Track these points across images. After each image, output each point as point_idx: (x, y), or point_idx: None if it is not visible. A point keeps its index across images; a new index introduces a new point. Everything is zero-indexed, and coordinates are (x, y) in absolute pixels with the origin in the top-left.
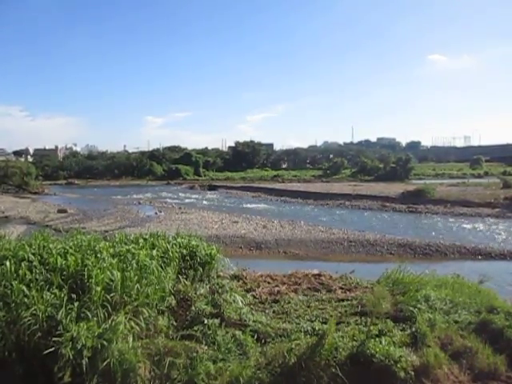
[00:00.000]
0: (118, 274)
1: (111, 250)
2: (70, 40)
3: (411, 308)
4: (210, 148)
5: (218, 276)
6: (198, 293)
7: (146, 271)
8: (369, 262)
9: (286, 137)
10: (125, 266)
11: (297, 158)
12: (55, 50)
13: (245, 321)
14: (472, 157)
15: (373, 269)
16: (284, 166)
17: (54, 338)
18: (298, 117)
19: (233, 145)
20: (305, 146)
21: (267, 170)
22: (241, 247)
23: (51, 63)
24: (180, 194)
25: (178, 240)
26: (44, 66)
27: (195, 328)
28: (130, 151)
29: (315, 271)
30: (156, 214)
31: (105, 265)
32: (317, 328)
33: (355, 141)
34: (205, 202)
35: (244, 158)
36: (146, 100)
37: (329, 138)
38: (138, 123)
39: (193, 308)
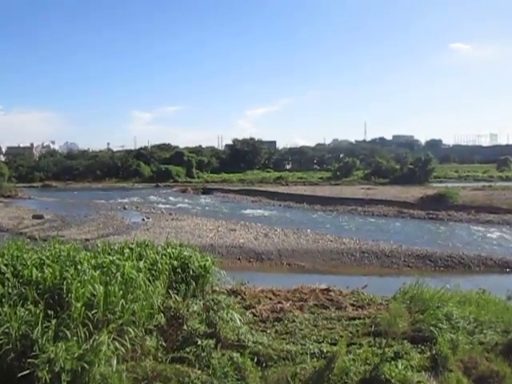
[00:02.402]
0: (101, 288)
1: (93, 261)
2: (48, 30)
3: (431, 327)
4: (204, 146)
5: (214, 291)
6: (190, 310)
7: (132, 285)
8: (384, 275)
9: (290, 134)
10: (108, 279)
11: (302, 158)
12: (32, 39)
13: (243, 342)
14: (499, 157)
15: (388, 283)
16: (288, 166)
17: (29, 360)
18: (304, 112)
19: (230, 143)
20: (311, 144)
21: (269, 172)
22: (239, 258)
23: (27, 53)
24: (170, 198)
25: (169, 250)
26: (19, 55)
27: (187, 349)
28: (115, 150)
29: (323, 286)
30: (143, 220)
31: (86, 278)
32: (325, 350)
33: (368, 138)
34: (198, 208)
35: (243, 157)
36: (133, 93)
37: (339, 136)
38: (124, 118)
39: (185, 327)
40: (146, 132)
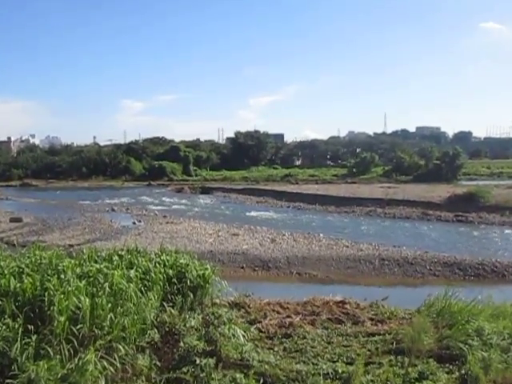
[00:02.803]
0: (87, 300)
1: (78, 270)
2: (30, 13)
3: (460, 344)
4: (202, 140)
5: (214, 303)
6: (187, 325)
7: (122, 297)
8: (406, 285)
9: (300, 126)
10: (95, 290)
11: (314, 153)
12: (9, 20)
13: (247, 361)
14: None
15: (412, 294)
16: (298, 162)
17: (8, 380)
18: (316, 100)
19: (232, 136)
20: (324, 137)
21: (276, 168)
22: (243, 267)
23: (4, 36)
24: (165, 199)
25: (163, 257)
26: None
27: (184, 369)
28: (102, 144)
29: (338, 297)
30: (134, 224)
31: (70, 288)
32: (340, 370)
33: (389, 131)
34: (196, 209)
35: (246, 152)
36: (123, 79)
37: (355, 128)
38: (112, 108)
39: (181, 344)
40: (137, 124)
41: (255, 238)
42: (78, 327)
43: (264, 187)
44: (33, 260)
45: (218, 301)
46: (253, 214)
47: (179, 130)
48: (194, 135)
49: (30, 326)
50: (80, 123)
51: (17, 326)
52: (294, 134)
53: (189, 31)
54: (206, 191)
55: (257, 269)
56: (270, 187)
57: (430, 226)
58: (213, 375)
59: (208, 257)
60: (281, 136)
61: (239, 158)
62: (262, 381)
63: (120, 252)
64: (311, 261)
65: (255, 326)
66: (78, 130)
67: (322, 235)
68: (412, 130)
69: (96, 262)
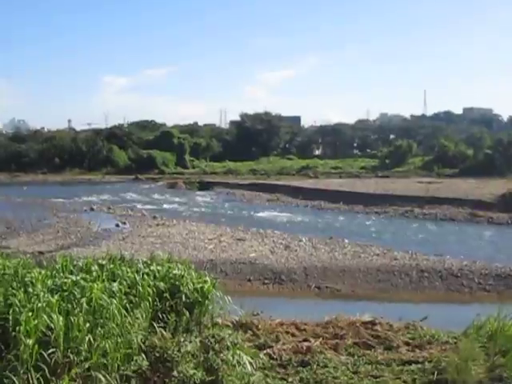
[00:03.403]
0: (60, 318)
1: (49, 282)
2: None
3: None
4: (201, 124)
5: (215, 324)
6: (182, 350)
7: (103, 315)
8: (451, 302)
9: (320, 106)
10: (70, 306)
11: (338, 140)
12: None
13: None
14: None
15: (457, 314)
16: (318, 152)
17: None
18: (341, 76)
19: (237, 119)
20: (350, 120)
21: (291, 159)
22: (250, 279)
23: None
24: (155, 196)
25: (153, 268)
26: None
27: None
28: (78, 129)
29: (366, 317)
30: (118, 226)
31: (40, 305)
32: None
33: (429, 113)
34: (193, 209)
35: (255, 139)
36: (104, 51)
37: (388, 109)
38: (91, 86)
39: (175, 373)
40: (121, 104)
41: (265, 244)
42: (50, 352)
43: (276, 182)
44: None
45: (219, 320)
46: (262, 214)
47: (172, 112)
48: (190, 118)
49: None
50: (52, 104)
51: None
52: (313, 116)
53: None
54: (205, 187)
55: (267, 282)
56: (283, 182)
57: (480, 229)
58: None
59: (208, 267)
60: (297, 119)
61: (246, 146)
62: None
63: (100, 261)
64: (334, 272)
65: (265, 352)
66: (50, 112)
67: (346, 241)
68: (458, 111)
69: (71, 272)
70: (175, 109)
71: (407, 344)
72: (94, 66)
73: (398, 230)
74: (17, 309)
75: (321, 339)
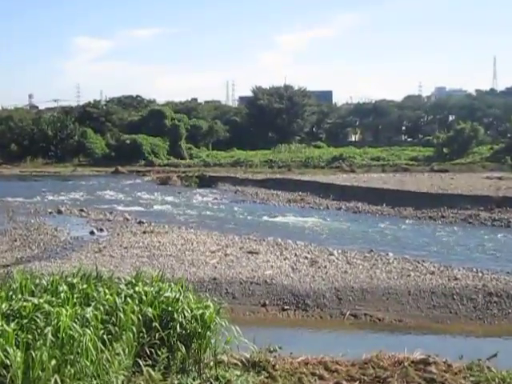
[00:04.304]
0: (19, 353)
1: (4, 306)
2: None
3: None
4: (201, 101)
5: (219, 362)
6: None
7: (74, 350)
8: None
9: (358, 79)
10: (31, 338)
11: (381, 123)
12: None
13: None
14: None
15: None
16: (355, 137)
17: None
18: (383, 38)
19: (249, 94)
20: (397, 97)
21: (320, 147)
22: (264, 304)
23: None
24: (141, 195)
25: (138, 288)
26: None
27: None
28: (42, 107)
29: (417, 354)
30: (93, 234)
31: None
32: None
33: (500, 87)
34: (191, 211)
35: (272, 121)
36: (76, 4)
37: (445, 83)
38: (59, 51)
39: None
40: (98, 75)
41: (285, 258)
42: None
43: (300, 177)
44: None
45: (225, 358)
46: (281, 219)
47: (164, 85)
48: (187, 93)
49: None
50: (7, 74)
51: None
52: (348, 91)
53: None
54: (206, 183)
55: (287, 307)
56: (309, 177)
57: None
58: None
59: (210, 288)
60: (327, 95)
61: (260, 129)
62: None
63: (70, 279)
64: (375, 295)
65: None
66: (4, 85)
67: (391, 254)
68: None
69: (33, 293)
70: (168, 81)
71: None
72: (62, 24)
73: (458, 241)
74: None
75: (358, 383)
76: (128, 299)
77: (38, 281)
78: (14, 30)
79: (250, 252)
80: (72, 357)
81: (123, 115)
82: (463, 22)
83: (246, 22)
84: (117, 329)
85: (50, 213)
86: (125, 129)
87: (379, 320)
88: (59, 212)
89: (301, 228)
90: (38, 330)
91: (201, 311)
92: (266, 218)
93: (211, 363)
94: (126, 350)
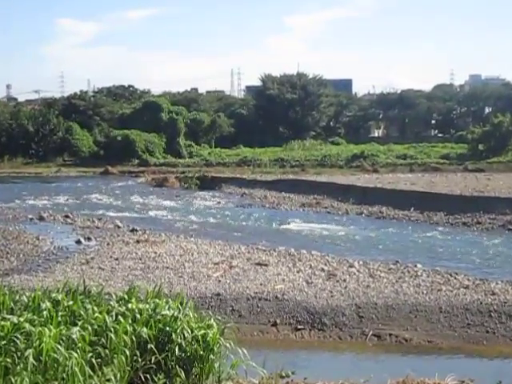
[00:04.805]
0: None
1: None
2: None
3: None
4: (203, 91)
5: None
6: None
7: (58, 375)
8: None
9: (381, 66)
10: (11, 362)
11: (407, 115)
12: None
13: None
14: None
15: None
16: (377, 132)
17: None
18: (409, 22)
19: (257, 83)
20: (426, 86)
21: (338, 144)
22: (275, 323)
23: None
24: (134, 199)
25: (131, 305)
26: None
27: None
28: (21, 99)
29: (450, 379)
30: (79, 243)
31: None
32: None
33: None
34: (191, 217)
35: (283, 113)
36: None
37: (481, 71)
38: (40, 35)
39: None
40: (85, 62)
41: (298, 270)
42: None
43: (315, 178)
44: None
45: None
46: (294, 226)
47: (160, 74)
48: (186, 83)
49: None
50: None
51: None
52: (370, 80)
53: None
54: (208, 185)
55: (301, 327)
56: (326, 178)
57: None
58: None
59: (213, 304)
60: (347, 84)
61: (270, 123)
62: None
63: (54, 295)
64: (401, 313)
65: None
66: None
67: (420, 266)
68: None
69: (11, 311)
70: (164, 69)
71: None
72: (43, 4)
73: (496, 251)
74: None
75: None
76: (120, 318)
77: (17, 297)
78: None
79: (258, 264)
80: (56, 383)
81: (113, 108)
82: (500, 2)
83: (253, 3)
84: (107, 351)
85: (31, 219)
86: (115, 123)
87: (406, 341)
88: (41, 218)
89: (316, 236)
90: (18, 353)
91: (203, 331)
92: (276, 224)
93: None
94: (118, 375)
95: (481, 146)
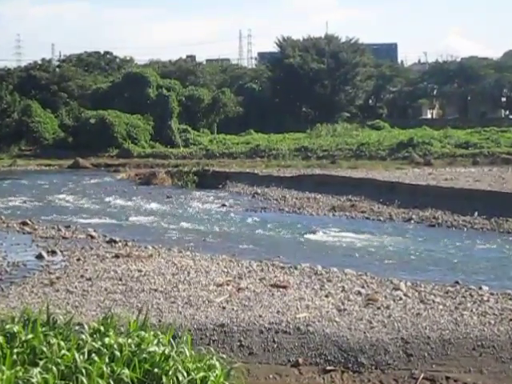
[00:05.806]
0: None
1: None
2: None
3: None
4: (202, 60)
5: None
6: None
7: None
8: None
9: (435, 27)
10: None
11: (470, 92)
12: None
13: None
14: None
15: None
16: (430, 114)
17: None
18: None
19: (272, 50)
20: (493, 53)
21: (379, 129)
22: (297, 363)
23: None
24: (112, 200)
25: (109, 340)
26: None
27: None
28: None
29: None
30: (41, 258)
31: None
32: None
33: None
34: (188, 225)
35: (307, 89)
36: None
37: None
38: None
39: None
40: (49, 23)
41: (327, 294)
42: None
43: (349, 173)
44: None
45: None
46: (322, 236)
47: (146, 37)
48: (181, 49)
49: None
50: None
51: None
52: (420, 44)
53: None
54: (209, 182)
55: (331, 367)
56: (363, 173)
57: None
58: None
59: (215, 339)
60: (390, 50)
61: (289, 102)
62: None
63: (8, 326)
64: (461, 350)
65: None
66: None
67: (486, 288)
68: None
69: None
70: (152, 31)
71: None
72: None
73: None
74: None
75: None
76: (94, 356)
77: None
78: None
79: (274, 285)
80: None
81: (85, 81)
82: None
83: None
84: None
85: None
86: (88, 102)
87: None
88: None
89: (351, 249)
90: None
91: (202, 374)
92: (298, 234)
93: None
94: None
95: None
